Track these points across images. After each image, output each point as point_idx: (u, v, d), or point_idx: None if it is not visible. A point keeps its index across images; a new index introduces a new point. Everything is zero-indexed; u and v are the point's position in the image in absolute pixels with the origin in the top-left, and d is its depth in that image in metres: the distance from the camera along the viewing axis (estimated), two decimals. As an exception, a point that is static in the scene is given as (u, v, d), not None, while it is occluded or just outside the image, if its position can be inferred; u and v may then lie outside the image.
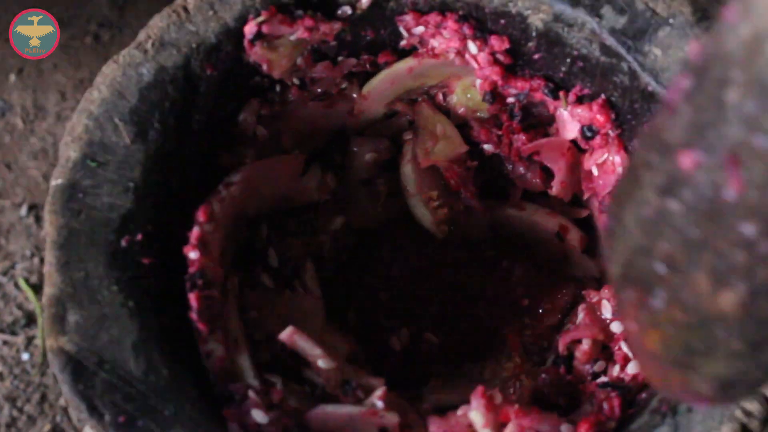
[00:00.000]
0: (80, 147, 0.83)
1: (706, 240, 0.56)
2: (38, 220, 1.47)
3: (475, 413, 0.80)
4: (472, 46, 0.93)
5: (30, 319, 1.44)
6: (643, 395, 0.83)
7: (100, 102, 0.84)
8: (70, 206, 0.81)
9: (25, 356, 1.85)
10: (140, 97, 0.85)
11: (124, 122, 0.84)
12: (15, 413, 1.66)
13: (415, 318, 1.05)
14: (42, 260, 1.51)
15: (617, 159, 0.91)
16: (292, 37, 0.91)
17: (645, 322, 0.64)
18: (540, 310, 1.02)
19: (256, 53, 0.90)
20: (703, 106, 0.52)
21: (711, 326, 0.60)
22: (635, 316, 0.65)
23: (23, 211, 1.46)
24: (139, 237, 0.82)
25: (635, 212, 0.60)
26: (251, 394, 0.82)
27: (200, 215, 0.84)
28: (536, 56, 0.93)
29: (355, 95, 0.96)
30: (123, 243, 0.81)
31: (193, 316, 0.81)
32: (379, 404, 0.84)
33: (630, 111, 0.90)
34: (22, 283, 1.41)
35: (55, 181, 0.82)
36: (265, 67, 0.92)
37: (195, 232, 0.83)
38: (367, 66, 0.97)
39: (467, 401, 0.82)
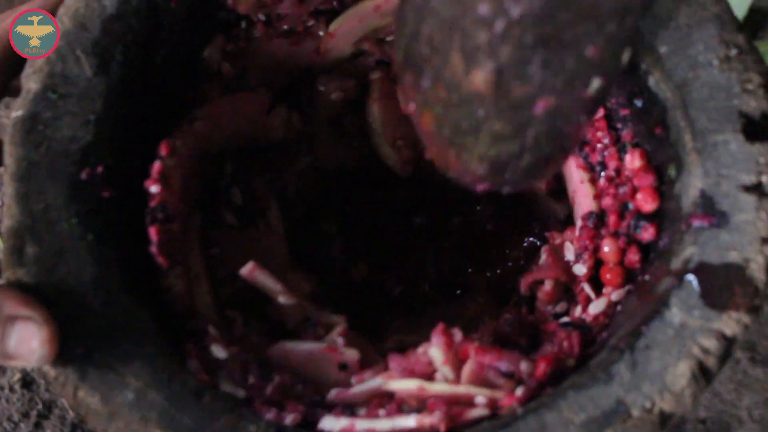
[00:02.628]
0: (41, 78, 0.81)
1: (456, 20, 0.61)
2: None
3: (435, 350, 0.80)
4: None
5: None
6: (604, 335, 0.83)
7: (62, 34, 0.82)
8: (30, 138, 0.80)
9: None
10: (103, 29, 0.83)
11: (86, 54, 0.83)
12: (-16, 360, 1.66)
13: (378, 258, 1.05)
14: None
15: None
16: (257, -28, 0.90)
17: (420, 102, 0.71)
18: (505, 252, 1.02)
19: (220, -13, 0.89)
20: None
21: (471, 104, 0.65)
22: (413, 97, 0.72)
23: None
24: (99, 170, 0.81)
25: (411, 1, 0.66)
26: (211, 329, 0.82)
27: (162, 149, 0.83)
28: None
29: (321, 33, 0.95)
30: (83, 175, 0.80)
31: (153, 249, 0.81)
32: (340, 341, 0.83)
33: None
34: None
35: (16, 113, 0.81)
36: (230, 1, 0.90)
37: (156, 165, 0.82)
38: (334, 3, 0.95)
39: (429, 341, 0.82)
